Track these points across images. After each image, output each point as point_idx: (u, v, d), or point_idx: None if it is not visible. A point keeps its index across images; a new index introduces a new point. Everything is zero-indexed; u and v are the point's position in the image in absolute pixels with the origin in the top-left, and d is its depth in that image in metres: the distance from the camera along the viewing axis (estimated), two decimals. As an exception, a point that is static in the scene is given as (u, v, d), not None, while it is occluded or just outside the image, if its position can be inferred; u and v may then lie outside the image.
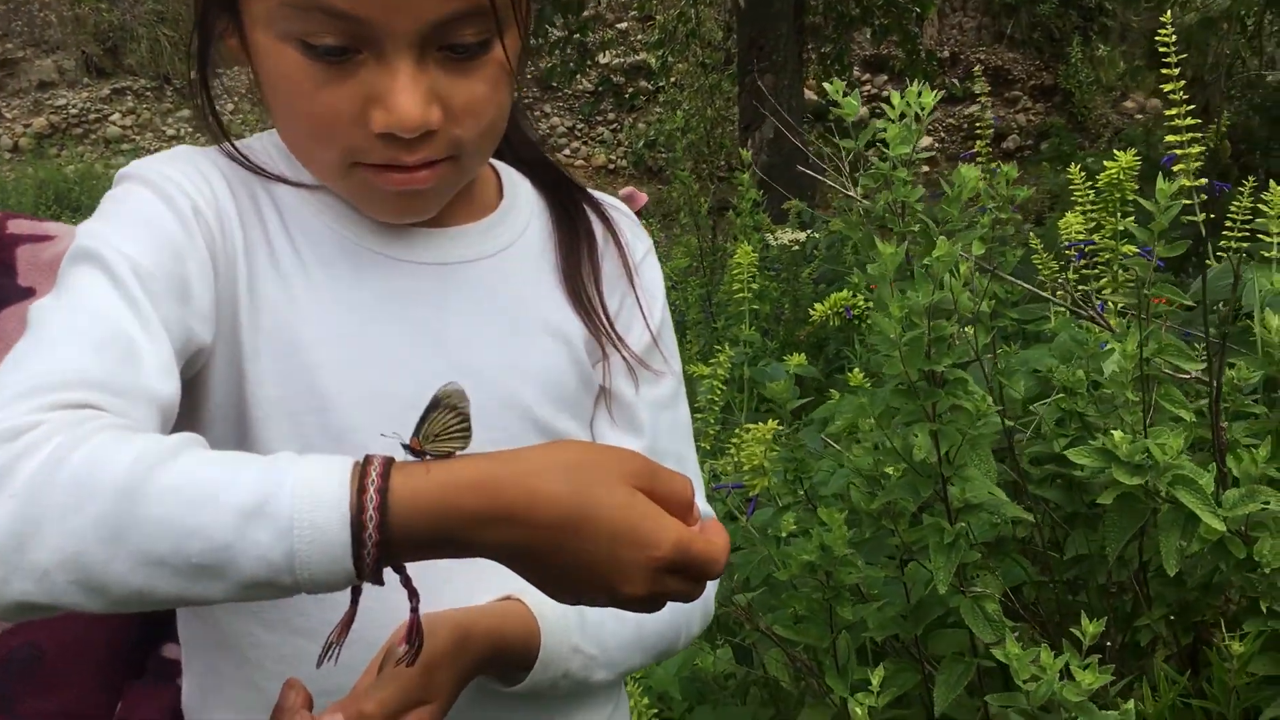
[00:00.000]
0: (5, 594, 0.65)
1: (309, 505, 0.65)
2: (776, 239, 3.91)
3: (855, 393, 2.04)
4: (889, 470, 1.35)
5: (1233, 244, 1.74)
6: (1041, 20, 11.36)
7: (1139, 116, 11.06)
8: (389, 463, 0.67)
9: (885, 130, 1.30)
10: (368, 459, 0.67)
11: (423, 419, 0.70)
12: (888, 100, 1.34)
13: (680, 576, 0.69)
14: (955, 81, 10.38)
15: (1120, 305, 1.73)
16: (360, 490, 0.65)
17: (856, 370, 2.17)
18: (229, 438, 0.84)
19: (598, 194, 1.02)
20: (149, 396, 0.74)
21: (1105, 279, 1.76)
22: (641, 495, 0.68)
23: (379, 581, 0.67)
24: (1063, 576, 1.55)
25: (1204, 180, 2.00)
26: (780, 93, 6.66)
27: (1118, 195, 1.72)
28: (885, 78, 10.81)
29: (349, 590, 0.68)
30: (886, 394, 1.23)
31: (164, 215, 0.82)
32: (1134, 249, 1.85)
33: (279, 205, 0.88)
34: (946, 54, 11.35)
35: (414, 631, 0.72)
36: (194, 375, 0.83)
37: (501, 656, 0.84)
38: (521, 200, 0.97)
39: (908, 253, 1.38)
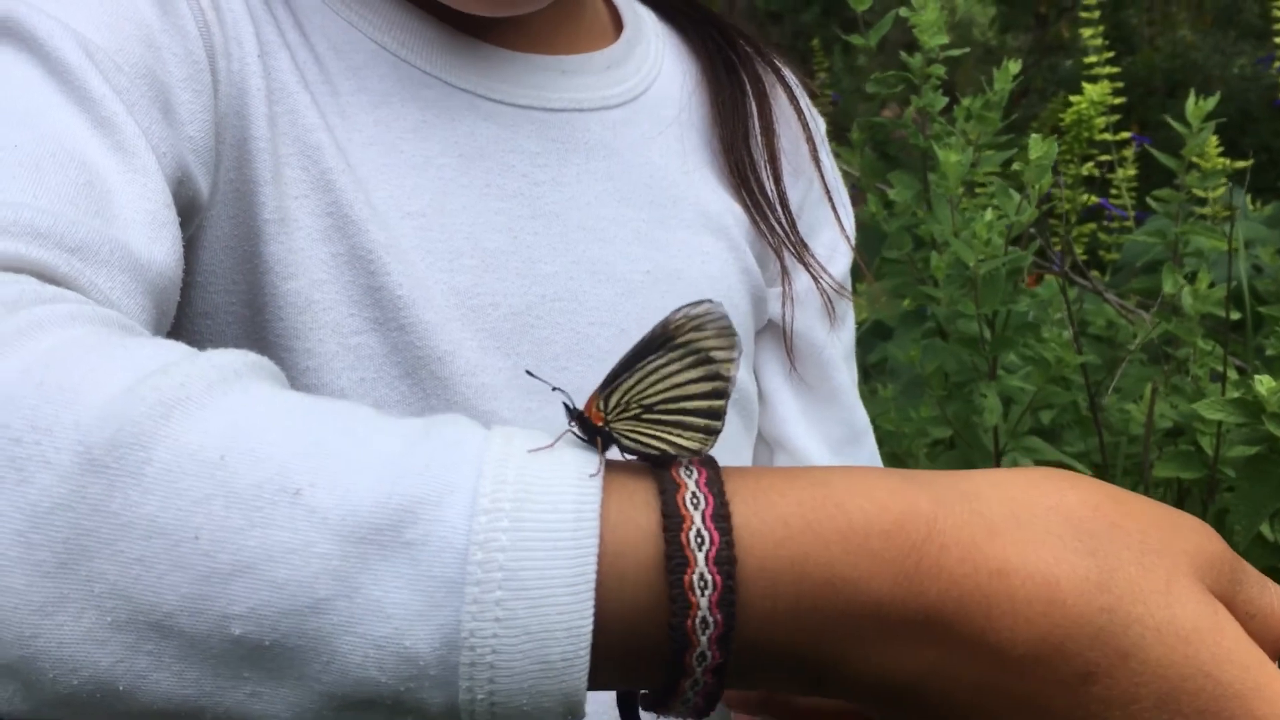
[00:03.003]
0: None
1: (516, 532, 0.31)
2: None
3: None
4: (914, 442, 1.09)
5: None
6: (805, 28, 11.59)
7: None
8: (713, 466, 0.33)
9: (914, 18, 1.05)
10: (673, 481, 0.33)
11: (630, 366, 0.35)
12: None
13: None
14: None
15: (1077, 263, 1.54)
16: (671, 519, 0.32)
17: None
18: None
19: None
20: (129, 262, 0.41)
21: (1060, 235, 1.57)
22: (1226, 612, 0.34)
23: None
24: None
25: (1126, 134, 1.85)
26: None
27: (1085, 135, 1.52)
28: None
29: None
30: (945, 346, 0.97)
31: None
32: (1095, 198, 1.67)
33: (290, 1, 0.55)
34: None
35: None
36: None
37: None
38: (648, 32, 0.65)
39: (925, 179, 1.12)
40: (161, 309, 0.44)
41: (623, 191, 0.59)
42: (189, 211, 0.50)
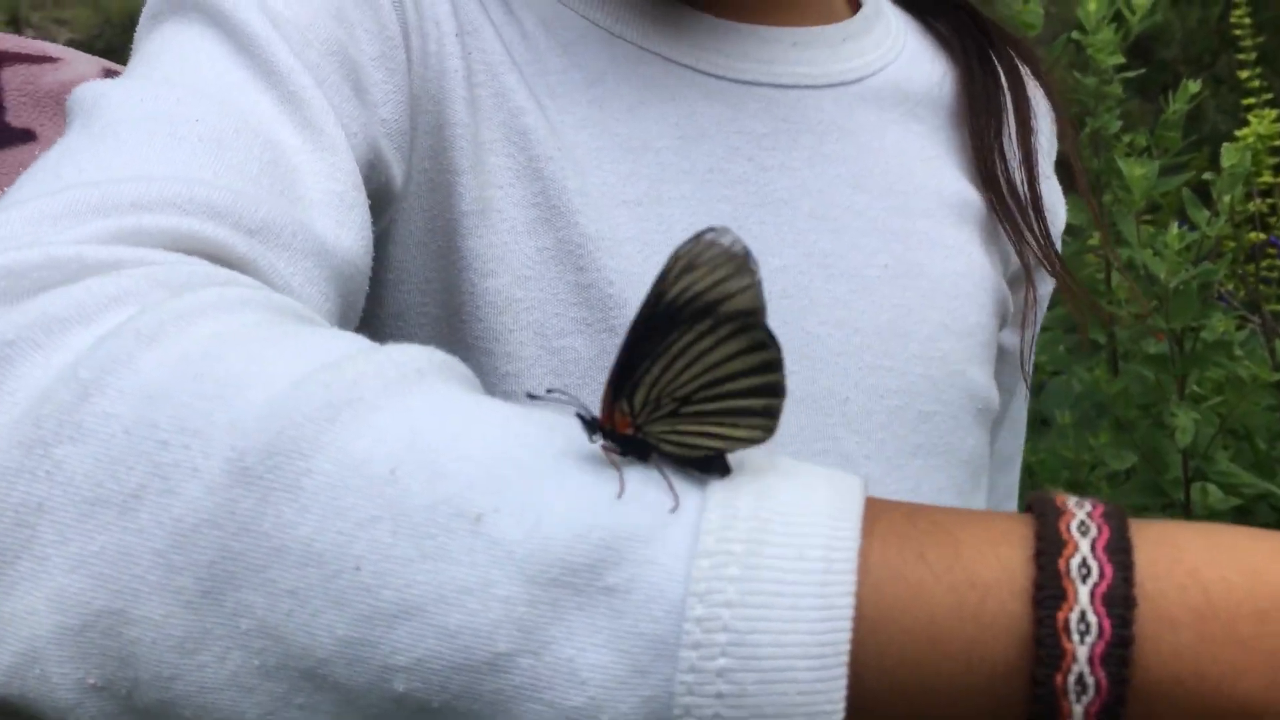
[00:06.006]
0: None
1: (747, 583, 0.25)
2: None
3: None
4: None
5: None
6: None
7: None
8: (1121, 532, 0.26)
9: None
10: (1055, 507, 0.27)
11: (640, 349, 0.28)
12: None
13: None
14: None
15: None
16: (1047, 611, 0.25)
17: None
18: None
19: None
20: (314, 246, 0.38)
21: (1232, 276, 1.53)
22: None
23: None
24: None
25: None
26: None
27: (1251, 170, 1.48)
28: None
29: None
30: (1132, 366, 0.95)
31: None
32: (1261, 235, 1.62)
33: None
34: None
35: None
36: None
37: None
38: (888, 12, 0.59)
39: (1101, 204, 1.11)
40: (347, 300, 0.41)
41: (858, 177, 0.53)
42: (382, 200, 0.47)
